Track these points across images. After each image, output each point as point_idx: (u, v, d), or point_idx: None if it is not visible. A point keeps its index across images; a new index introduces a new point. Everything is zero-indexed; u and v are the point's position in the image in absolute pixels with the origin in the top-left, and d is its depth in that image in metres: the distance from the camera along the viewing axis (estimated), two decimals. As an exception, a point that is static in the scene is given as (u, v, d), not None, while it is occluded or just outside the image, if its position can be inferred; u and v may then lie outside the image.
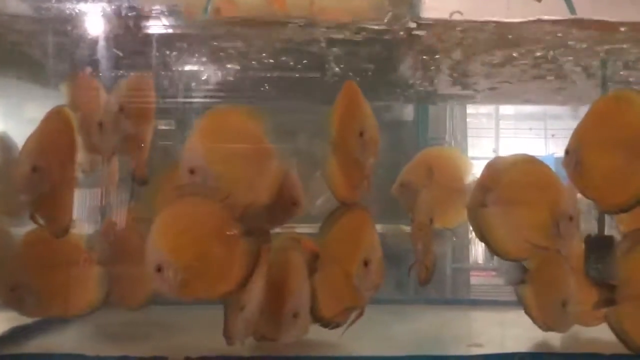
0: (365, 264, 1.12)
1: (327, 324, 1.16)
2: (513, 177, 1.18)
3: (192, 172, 1.06)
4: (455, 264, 2.59)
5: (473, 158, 1.77)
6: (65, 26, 1.31)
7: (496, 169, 1.19)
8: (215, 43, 1.48)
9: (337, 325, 1.16)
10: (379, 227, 1.43)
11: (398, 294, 2.22)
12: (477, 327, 1.62)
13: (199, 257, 0.98)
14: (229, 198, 1.02)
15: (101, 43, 1.28)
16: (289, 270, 1.10)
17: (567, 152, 1.18)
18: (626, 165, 1.13)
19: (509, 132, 3.63)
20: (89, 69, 1.28)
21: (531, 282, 1.20)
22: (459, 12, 1.28)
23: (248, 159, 1.10)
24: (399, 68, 1.69)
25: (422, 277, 1.27)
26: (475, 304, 1.94)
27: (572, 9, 1.35)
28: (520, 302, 1.21)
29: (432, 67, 1.65)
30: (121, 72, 1.35)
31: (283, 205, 1.22)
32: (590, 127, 1.17)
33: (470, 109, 3.08)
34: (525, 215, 1.16)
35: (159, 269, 0.95)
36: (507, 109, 3.47)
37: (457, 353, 1.10)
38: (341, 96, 1.16)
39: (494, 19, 1.34)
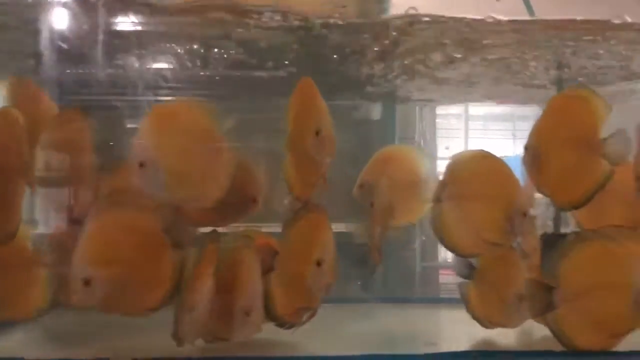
0: (318, 264, 1.10)
1: (282, 323, 1.15)
2: (467, 172, 1.18)
3: (142, 165, 1.03)
4: (424, 263, 2.60)
5: (442, 158, 1.76)
6: (16, 20, 1.27)
7: (451, 165, 1.20)
8: (175, 39, 1.46)
9: (292, 325, 1.15)
10: (346, 227, 1.42)
11: (364, 293, 2.22)
12: (440, 325, 1.62)
13: (126, 270, 0.96)
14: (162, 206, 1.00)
15: (50, 38, 1.23)
16: (240, 268, 1.08)
17: (525, 148, 1.19)
18: (580, 163, 1.15)
19: (479, 132, 3.66)
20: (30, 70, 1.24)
21: (477, 279, 1.20)
22: (413, 8, 1.27)
23: (199, 153, 1.07)
24: (362, 65, 1.68)
25: (377, 260, 1.26)
26: (443, 302, 1.94)
27: (530, 9, 1.36)
28: (463, 300, 1.21)
29: (395, 65, 1.65)
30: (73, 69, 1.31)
31: (241, 201, 1.20)
32: (547, 124, 1.18)
33: (440, 109, 3.11)
34: (479, 211, 1.15)
35: (86, 283, 0.93)
36: (476, 110, 3.50)
37: (411, 351, 1.09)
38: (297, 93, 1.14)
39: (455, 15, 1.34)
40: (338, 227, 1.37)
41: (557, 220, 1.36)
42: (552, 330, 1.06)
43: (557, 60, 1.43)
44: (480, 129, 3.71)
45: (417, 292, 2.51)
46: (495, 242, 1.15)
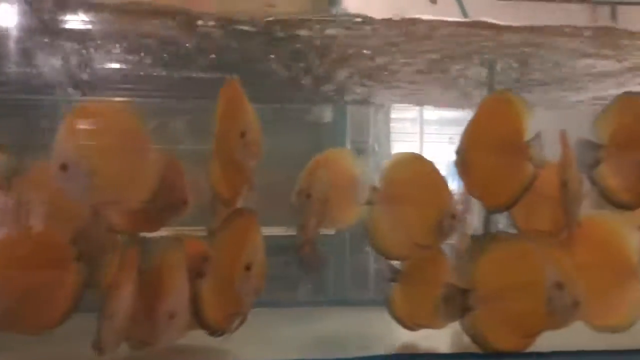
0: (247, 268, 1.09)
1: (213, 331, 1.13)
2: (397, 175, 1.19)
3: (64, 168, 0.99)
4: (378, 265, 2.61)
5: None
6: None
7: (384, 168, 1.20)
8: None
9: (223, 333, 1.12)
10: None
11: (315, 296, 2.21)
12: (382, 328, 1.62)
13: (25, 287, 0.94)
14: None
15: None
16: (165, 270, 1.06)
17: (457, 152, 1.20)
18: (506, 165, 1.17)
19: (434, 136, 3.70)
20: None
21: (403, 282, 1.20)
22: (342, 10, 1.28)
23: (124, 153, 1.04)
24: (309, 67, 1.67)
25: (307, 251, 1.24)
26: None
27: (464, 12, 1.38)
28: (387, 303, 1.21)
29: (339, 67, 1.65)
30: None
31: (170, 203, 1.18)
32: (475, 128, 1.20)
33: (395, 113, 3.13)
34: (409, 213, 1.16)
35: None
36: (431, 114, 3.55)
37: (342, 355, 1.08)
38: (223, 95, 1.13)
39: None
40: (288, 231, 1.36)
41: (486, 223, 1.38)
42: (468, 333, 1.05)
43: (490, 64, 1.45)
44: (435, 132, 3.77)
45: (371, 293, 2.51)
46: (425, 245, 1.16)
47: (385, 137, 2.92)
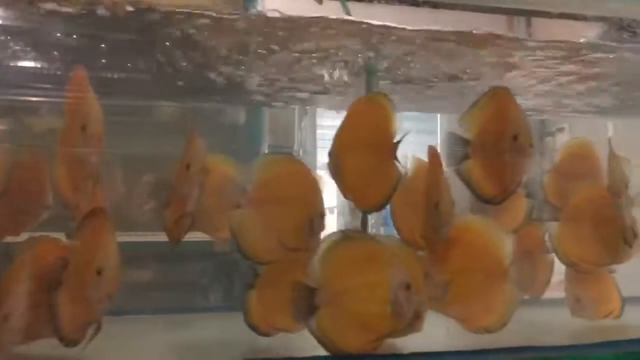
0: (98, 272, 1.03)
1: (68, 341, 1.06)
2: (266, 176, 1.16)
3: None
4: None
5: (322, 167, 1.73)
6: None
7: (254, 170, 1.17)
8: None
9: (77, 343, 1.06)
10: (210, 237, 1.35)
11: (227, 301, 2.15)
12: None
13: None
14: None
15: None
16: (8, 273, 1.00)
17: (329, 154, 1.18)
18: (376, 167, 1.16)
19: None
20: None
21: (260, 286, 1.17)
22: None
23: None
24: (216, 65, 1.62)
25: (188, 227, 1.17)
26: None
27: (347, 11, 1.37)
28: (243, 310, 1.17)
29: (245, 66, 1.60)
30: None
31: (29, 207, 1.12)
32: (347, 130, 1.18)
33: (323, 120, 3.13)
34: (277, 215, 1.13)
35: None
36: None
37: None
38: (68, 87, 1.06)
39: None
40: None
41: (363, 223, 1.38)
42: (314, 334, 1.01)
43: (369, 66, 1.44)
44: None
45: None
46: (295, 247, 1.13)
47: (312, 143, 2.91)
